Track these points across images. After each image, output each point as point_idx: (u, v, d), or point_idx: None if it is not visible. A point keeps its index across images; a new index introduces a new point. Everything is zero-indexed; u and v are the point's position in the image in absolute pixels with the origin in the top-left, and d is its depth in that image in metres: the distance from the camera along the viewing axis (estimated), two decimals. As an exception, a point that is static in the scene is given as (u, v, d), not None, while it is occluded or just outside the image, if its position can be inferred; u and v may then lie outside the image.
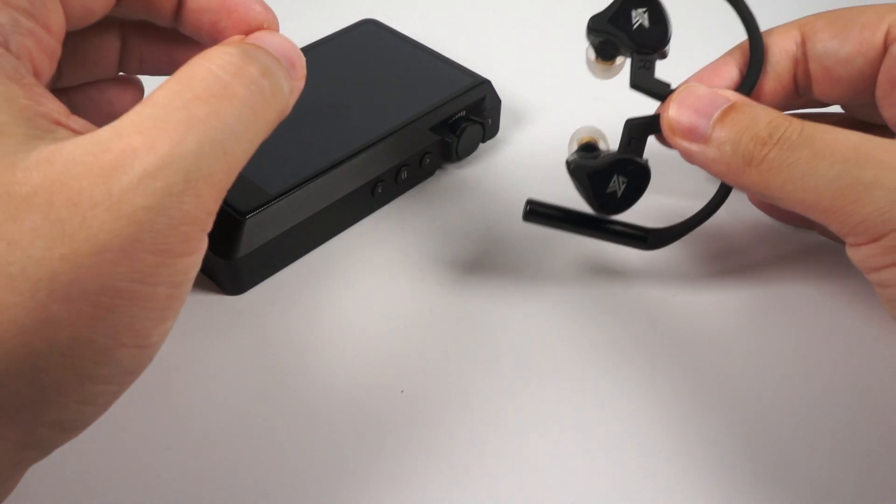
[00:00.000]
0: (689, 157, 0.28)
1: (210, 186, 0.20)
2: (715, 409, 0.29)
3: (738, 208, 0.36)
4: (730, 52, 0.31)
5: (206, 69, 0.21)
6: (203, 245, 0.21)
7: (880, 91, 0.29)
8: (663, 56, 0.30)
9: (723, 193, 0.31)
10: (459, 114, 0.38)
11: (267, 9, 0.26)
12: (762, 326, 0.32)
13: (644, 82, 0.30)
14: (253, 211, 0.32)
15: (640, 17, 0.29)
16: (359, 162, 0.35)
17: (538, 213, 0.31)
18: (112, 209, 0.18)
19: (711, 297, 0.33)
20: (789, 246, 0.35)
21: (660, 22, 0.29)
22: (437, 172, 0.39)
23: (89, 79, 0.28)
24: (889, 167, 0.24)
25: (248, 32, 0.25)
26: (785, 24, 0.31)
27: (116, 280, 0.19)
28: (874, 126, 0.31)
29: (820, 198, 0.25)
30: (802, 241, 0.35)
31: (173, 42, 0.28)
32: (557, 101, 0.43)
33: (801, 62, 0.30)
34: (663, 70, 0.30)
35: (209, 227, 0.21)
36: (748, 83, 0.30)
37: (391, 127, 0.36)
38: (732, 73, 0.31)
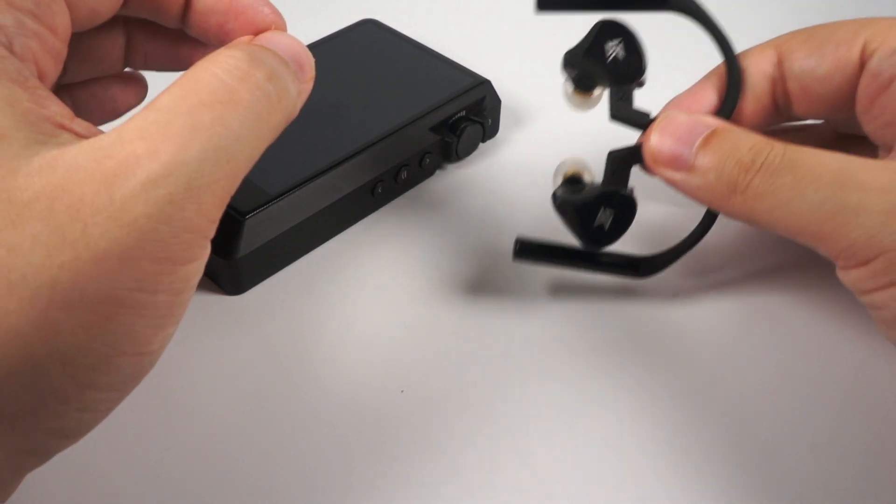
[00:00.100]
0: (673, 185, 0.28)
1: (213, 194, 0.20)
2: (706, 417, 0.29)
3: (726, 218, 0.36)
4: (707, 77, 0.31)
5: (211, 73, 0.21)
6: (205, 252, 0.21)
7: (860, 107, 0.29)
8: (640, 85, 0.30)
9: (709, 220, 0.31)
10: (459, 114, 0.38)
11: (275, 11, 0.25)
12: (753, 335, 0.32)
13: (623, 114, 0.30)
14: (253, 211, 0.32)
15: (614, 48, 0.29)
16: (359, 162, 0.35)
17: (528, 250, 0.31)
18: (113, 217, 0.18)
19: (701, 306, 0.33)
20: (778, 256, 0.35)
21: (634, 52, 0.29)
22: (437, 172, 0.39)
23: (93, 75, 0.28)
24: (873, 190, 0.24)
25: (256, 34, 0.25)
26: (760, 45, 0.30)
27: (117, 288, 0.19)
28: (856, 137, 0.31)
29: (807, 223, 0.24)
30: (791, 250, 0.35)
31: (179, 39, 0.28)
32: (557, 101, 0.42)
33: (780, 82, 0.30)
34: (641, 97, 0.30)
35: (212, 234, 0.21)
36: (728, 107, 0.30)
37: (391, 127, 0.36)
38: (711, 97, 0.30)
